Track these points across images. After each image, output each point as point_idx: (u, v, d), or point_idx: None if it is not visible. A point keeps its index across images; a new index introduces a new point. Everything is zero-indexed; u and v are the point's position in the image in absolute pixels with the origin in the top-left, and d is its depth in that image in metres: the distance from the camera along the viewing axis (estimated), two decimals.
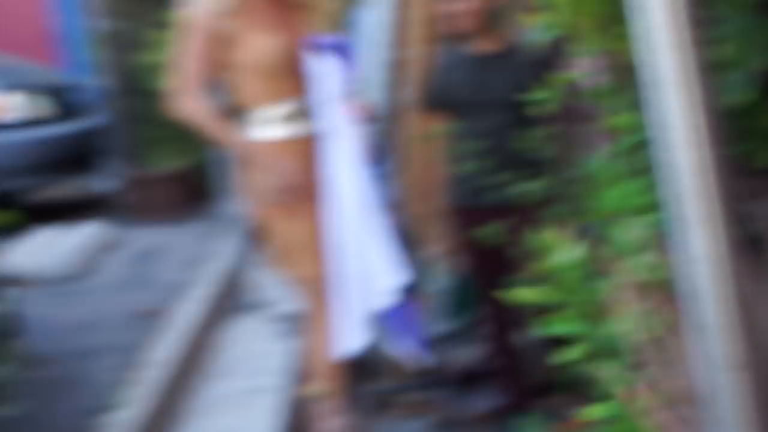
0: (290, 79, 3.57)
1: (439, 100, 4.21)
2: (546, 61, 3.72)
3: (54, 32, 11.24)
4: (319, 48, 3.58)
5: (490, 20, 4.05)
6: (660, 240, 2.02)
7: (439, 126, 4.25)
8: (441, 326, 4.88)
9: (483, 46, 4.10)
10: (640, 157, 2.11)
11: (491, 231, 3.76)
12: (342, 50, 3.61)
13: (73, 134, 8.39)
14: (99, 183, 9.76)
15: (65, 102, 8.52)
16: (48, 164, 8.12)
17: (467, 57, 4.15)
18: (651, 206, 2.02)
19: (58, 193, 9.56)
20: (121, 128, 8.48)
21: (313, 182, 3.61)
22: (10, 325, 3.18)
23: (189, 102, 3.50)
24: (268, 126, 3.58)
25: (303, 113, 3.60)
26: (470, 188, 4.08)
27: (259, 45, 3.51)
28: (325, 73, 3.55)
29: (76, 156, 8.46)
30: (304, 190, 3.58)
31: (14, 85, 8.07)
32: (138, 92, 8.82)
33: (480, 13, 4.04)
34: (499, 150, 4.00)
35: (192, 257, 6.90)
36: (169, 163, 8.28)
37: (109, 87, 8.55)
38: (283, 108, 3.57)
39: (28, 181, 8.13)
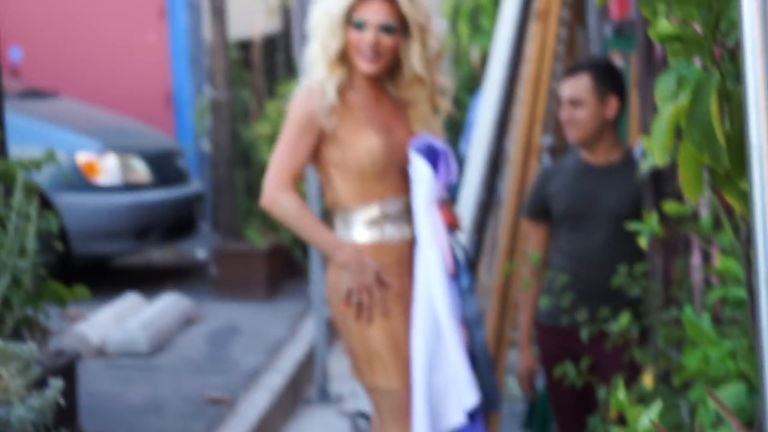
0: (389, 180, 3.38)
1: (540, 207, 3.96)
2: (657, 184, 3.44)
3: (171, 96, 11.29)
4: (419, 150, 3.37)
5: (609, 130, 3.80)
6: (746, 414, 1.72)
7: (535, 238, 3.99)
8: None
9: (596, 155, 3.84)
10: (735, 314, 1.82)
11: (572, 369, 3.46)
12: (442, 154, 3.38)
13: (169, 200, 8.31)
14: (191, 252, 9.71)
15: (164, 167, 8.47)
16: (141, 229, 8.04)
17: (577, 165, 3.91)
18: (739, 374, 1.73)
19: (149, 258, 9.51)
20: (217, 198, 8.37)
21: (402, 289, 3.39)
22: (54, 414, 2.98)
23: (276, 194, 3.34)
24: (360, 227, 3.40)
25: (400, 216, 3.40)
26: (556, 306, 3.81)
27: (358, 144, 3.35)
28: (422, 177, 3.33)
29: (170, 223, 8.38)
30: (391, 297, 3.36)
31: (112, 147, 8.04)
32: (241, 163, 8.76)
33: (600, 122, 3.79)
34: (593, 270, 3.73)
35: (272, 339, 6.70)
36: (261, 238, 8.13)
37: (212, 155, 8.47)
38: (378, 209, 3.39)
39: (119, 245, 8.05)
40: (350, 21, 3.32)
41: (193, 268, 9.22)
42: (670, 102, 1.53)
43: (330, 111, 3.34)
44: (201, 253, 9.51)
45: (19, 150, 7.54)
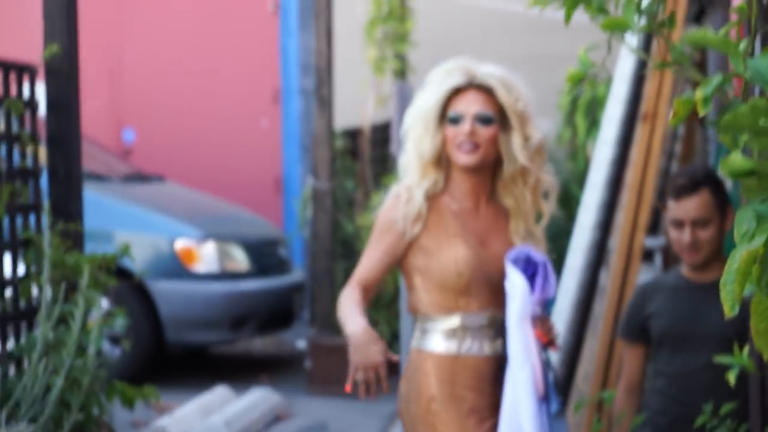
0: (475, 293, 3.18)
1: (638, 327, 3.68)
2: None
3: (281, 183, 11.26)
4: (515, 261, 3.16)
5: (721, 245, 3.53)
6: None
7: (631, 361, 3.71)
8: None
9: (704, 273, 3.57)
10: None
11: None
12: (541, 267, 3.16)
13: (267, 290, 8.19)
14: (291, 342, 9.56)
15: (266, 255, 8.36)
16: (236, 319, 7.91)
17: (678, 281, 3.63)
18: None
19: (248, 347, 9.38)
20: (316, 289, 8.21)
21: (476, 407, 3.16)
22: None
23: (347, 290, 3.15)
24: (437, 336, 3.19)
25: (483, 330, 3.18)
26: (654, 430, 3.52)
27: (444, 254, 3.16)
28: (517, 291, 3.12)
29: (268, 313, 8.24)
30: (464, 412, 3.14)
31: (212, 234, 7.96)
32: (342, 254, 8.61)
33: (716, 242, 3.52)
34: (695, 395, 3.43)
35: None
36: None
37: (312, 245, 8.34)
38: (459, 321, 3.18)
39: (213, 334, 7.93)
40: (446, 117, 3.16)
41: (291, 359, 9.06)
42: (744, 244, 1.29)
43: (415, 218, 3.17)
44: (301, 343, 9.35)
45: (119, 235, 7.58)
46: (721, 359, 2.35)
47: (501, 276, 3.15)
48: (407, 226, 3.17)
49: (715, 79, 1.38)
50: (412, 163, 3.22)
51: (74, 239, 3.90)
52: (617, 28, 1.76)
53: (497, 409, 3.15)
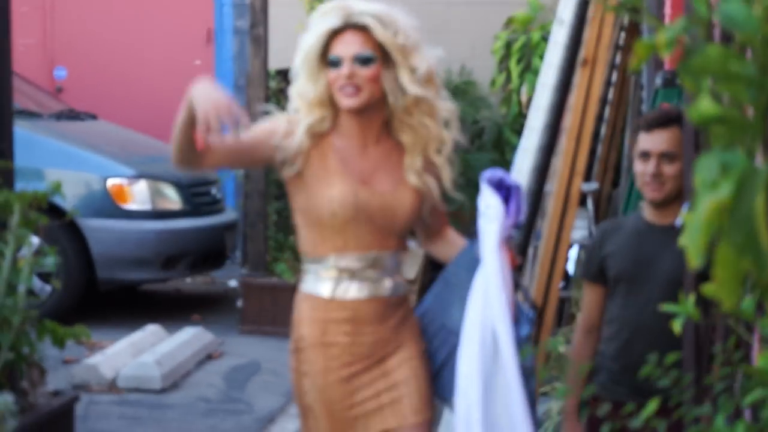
0: (353, 233, 3.08)
1: (597, 268, 3.66)
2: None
3: None
4: (490, 183, 3.13)
5: (680, 191, 3.52)
6: None
7: (590, 301, 3.70)
8: None
9: (665, 215, 3.56)
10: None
11: None
12: (514, 190, 3.12)
13: (199, 229, 8.11)
14: (224, 281, 9.51)
15: (198, 195, 8.28)
16: (168, 258, 7.84)
17: (638, 224, 3.62)
18: None
19: (180, 285, 9.32)
20: (248, 229, 8.15)
21: (346, 351, 3.08)
22: None
23: None
24: (311, 278, 3.12)
25: (363, 272, 3.10)
26: (607, 376, 3.53)
27: (320, 192, 3.08)
28: (493, 214, 3.09)
29: (200, 252, 8.17)
30: (332, 355, 3.08)
31: (144, 172, 7.86)
32: (275, 195, 8.55)
33: (678, 180, 3.51)
34: (642, 342, 3.43)
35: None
36: (291, 273, 7.88)
37: (245, 185, 8.26)
38: (333, 263, 3.10)
39: (145, 273, 7.86)
40: (327, 61, 3.07)
41: (223, 299, 9.02)
42: (709, 194, 1.27)
43: (294, 154, 3.07)
44: (233, 283, 9.31)
45: (51, 173, 7.45)
46: (668, 307, 2.34)
47: (384, 216, 3.09)
48: (281, 155, 3.07)
49: (680, 22, 1.35)
50: (299, 105, 3.12)
51: (4, 177, 3.81)
52: None
53: (378, 351, 3.09)
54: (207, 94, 2.92)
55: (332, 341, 3.08)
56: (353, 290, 3.09)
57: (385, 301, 3.11)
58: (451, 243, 3.32)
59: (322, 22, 3.07)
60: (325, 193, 3.06)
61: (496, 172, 3.11)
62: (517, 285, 3.14)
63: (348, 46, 3.05)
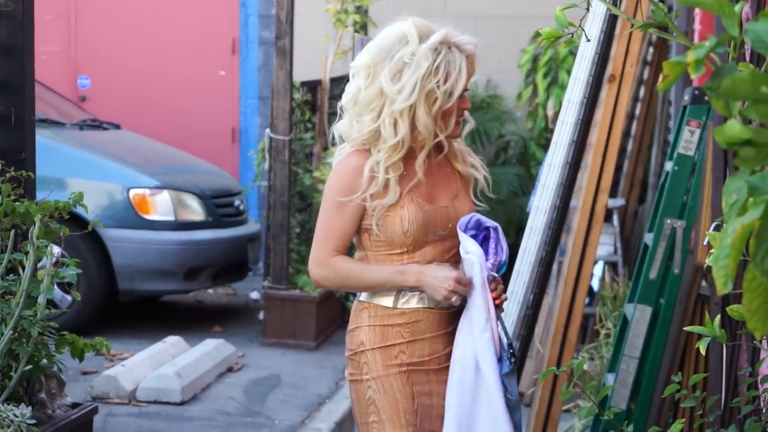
0: (420, 246, 3.14)
1: None
2: None
3: (238, 134, 11.14)
4: (467, 228, 3.16)
5: None
6: None
7: None
8: None
9: None
10: None
11: None
12: (492, 231, 3.15)
13: (222, 241, 8.09)
14: (246, 293, 9.48)
15: (222, 206, 8.26)
16: (190, 269, 7.81)
17: None
18: None
19: (203, 297, 9.30)
20: (271, 241, 8.12)
21: (404, 360, 3.14)
22: None
23: (323, 267, 3.15)
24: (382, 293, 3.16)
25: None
26: None
27: (391, 215, 3.11)
28: (473, 258, 3.10)
29: (222, 263, 8.15)
30: (393, 361, 3.14)
31: (167, 183, 7.85)
32: (299, 207, 8.52)
33: None
34: None
35: (313, 394, 6.41)
36: (313, 286, 7.85)
37: (269, 197, 8.23)
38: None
39: (166, 284, 7.84)
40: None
41: (245, 311, 8.99)
42: (737, 218, 1.23)
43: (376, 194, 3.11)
44: (255, 295, 9.28)
45: (73, 183, 7.44)
46: (693, 329, 2.30)
47: (445, 228, 3.14)
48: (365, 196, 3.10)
49: (709, 41, 1.31)
50: (385, 135, 3.09)
51: (26, 186, 3.80)
52: None
53: (437, 360, 3.16)
54: (435, 273, 3.08)
55: (391, 345, 3.12)
56: (415, 300, 3.14)
57: (446, 311, 3.16)
58: None
59: (457, 58, 3.09)
60: (398, 214, 3.11)
61: (472, 216, 3.15)
62: (499, 323, 3.17)
63: (469, 77, 3.14)
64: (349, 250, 3.18)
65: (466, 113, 3.18)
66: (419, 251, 3.13)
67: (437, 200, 3.17)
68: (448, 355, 3.15)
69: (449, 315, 3.17)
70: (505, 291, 3.21)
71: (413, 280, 3.07)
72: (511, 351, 3.14)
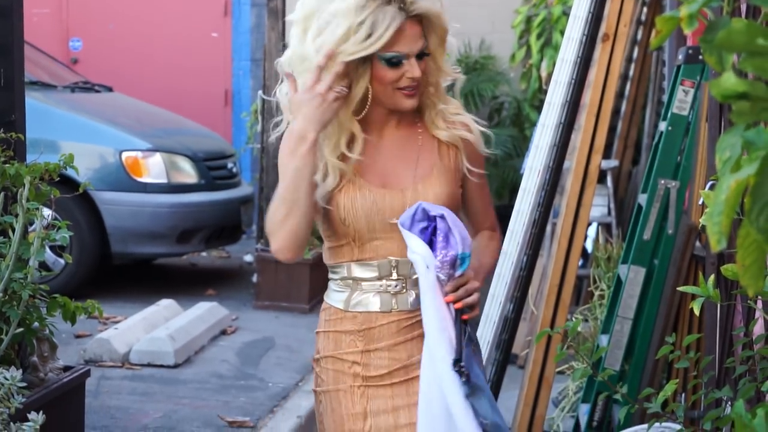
0: (367, 239, 2.66)
1: None
2: None
3: (231, 96, 11.08)
4: (410, 224, 2.60)
5: None
6: None
7: None
8: None
9: None
10: None
11: None
12: (440, 222, 2.57)
13: (214, 203, 8.06)
14: (240, 256, 9.47)
15: (214, 169, 8.23)
16: (183, 231, 7.79)
17: None
18: None
19: (196, 259, 9.29)
20: (264, 203, 8.10)
21: (358, 371, 2.69)
22: None
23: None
24: (330, 286, 2.75)
25: (377, 281, 2.68)
26: None
27: (339, 198, 2.66)
28: (418, 258, 2.59)
29: (215, 226, 8.12)
30: (344, 373, 2.70)
31: (159, 146, 7.81)
32: None
33: None
34: None
35: (307, 357, 6.41)
36: (307, 248, 7.82)
37: (261, 159, 8.20)
38: (345, 271, 2.70)
39: (159, 247, 7.82)
40: (375, 58, 2.60)
41: (238, 273, 8.98)
42: (731, 174, 1.21)
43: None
44: (248, 257, 9.27)
45: (65, 145, 7.39)
46: (687, 289, 2.29)
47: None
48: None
49: None
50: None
51: (16, 149, 3.77)
52: None
53: (402, 371, 2.69)
54: (300, 101, 2.59)
55: (342, 357, 2.72)
56: (365, 303, 2.71)
57: (408, 314, 2.70)
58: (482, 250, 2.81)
59: (376, 15, 2.56)
60: (338, 200, 2.68)
61: (418, 206, 2.61)
62: (461, 332, 2.59)
63: (411, 42, 2.61)
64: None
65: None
66: (368, 245, 2.66)
67: (394, 183, 2.69)
68: (417, 365, 2.65)
69: (412, 320, 2.68)
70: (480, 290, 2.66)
71: (299, 128, 2.57)
72: (461, 367, 2.55)
